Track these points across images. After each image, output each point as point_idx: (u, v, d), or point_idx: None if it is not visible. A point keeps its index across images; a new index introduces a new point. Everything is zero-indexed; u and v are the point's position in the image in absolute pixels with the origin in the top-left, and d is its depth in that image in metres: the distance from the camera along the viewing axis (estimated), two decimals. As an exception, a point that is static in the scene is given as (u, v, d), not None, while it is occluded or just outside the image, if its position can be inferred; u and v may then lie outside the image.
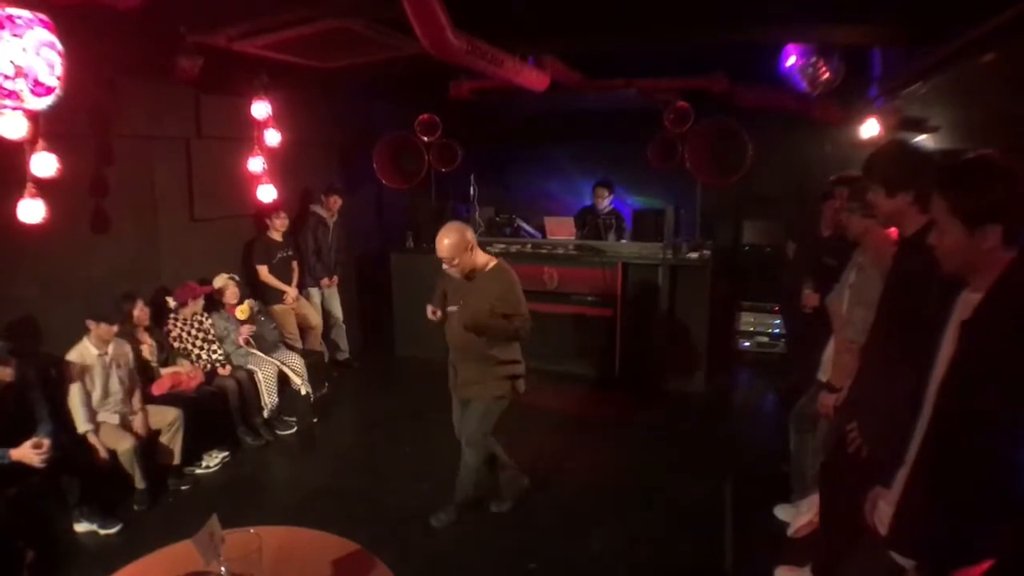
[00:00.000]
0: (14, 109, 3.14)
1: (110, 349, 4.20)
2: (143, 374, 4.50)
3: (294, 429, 5.34)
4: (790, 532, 3.63)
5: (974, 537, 1.65)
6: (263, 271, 5.88)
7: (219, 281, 5.40)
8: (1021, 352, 1.51)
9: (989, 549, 1.68)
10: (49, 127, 3.60)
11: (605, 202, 7.37)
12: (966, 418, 1.58)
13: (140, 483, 4.10)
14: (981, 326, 1.60)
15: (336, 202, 6.45)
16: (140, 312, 4.61)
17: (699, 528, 3.93)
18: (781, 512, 3.84)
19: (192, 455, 4.60)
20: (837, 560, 2.83)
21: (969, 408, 1.58)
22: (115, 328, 4.17)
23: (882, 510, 1.88)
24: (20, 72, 2.95)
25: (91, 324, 4.10)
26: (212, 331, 5.15)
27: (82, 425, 4.02)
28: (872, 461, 2.02)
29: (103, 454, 4.00)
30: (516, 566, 3.59)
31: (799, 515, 3.62)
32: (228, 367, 5.09)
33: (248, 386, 5.11)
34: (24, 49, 2.94)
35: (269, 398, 5.21)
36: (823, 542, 3.07)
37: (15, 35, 2.91)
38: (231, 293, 5.38)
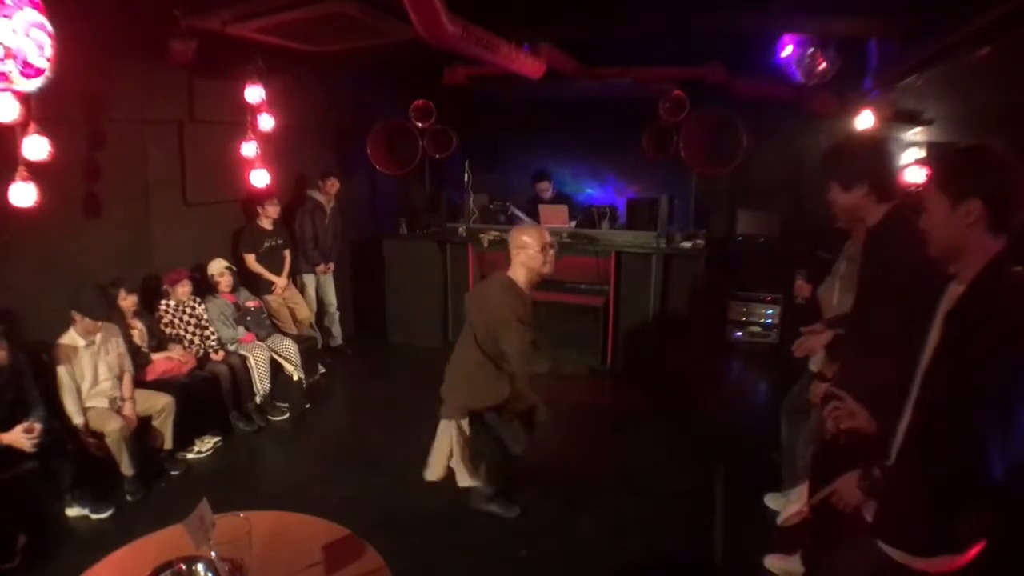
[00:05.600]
0: (3, 91, 3.11)
1: (97, 338, 4.18)
2: (133, 360, 4.48)
3: (286, 415, 5.34)
4: (780, 521, 3.66)
5: (957, 526, 1.67)
6: (250, 260, 5.83)
7: (214, 267, 5.38)
8: (1000, 344, 1.52)
9: (972, 538, 1.70)
10: (41, 110, 3.57)
11: (548, 193, 7.44)
12: (948, 408, 1.60)
13: (127, 469, 4.07)
14: (963, 318, 1.61)
15: (333, 185, 6.41)
16: (123, 301, 4.56)
17: (689, 516, 3.96)
18: (771, 501, 3.87)
19: (184, 440, 4.60)
20: (826, 548, 2.88)
21: (951, 399, 1.59)
22: (99, 323, 4.14)
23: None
24: (9, 53, 2.92)
25: (76, 316, 4.07)
26: (204, 316, 5.14)
27: (74, 417, 4.00)
28: (857, 449, 2.03)
29: (93, 446, 3.97)
30: (506, 553, 3.61)
31: (789, 504, 3.65)
32: (220, 352, 5.09)
33: (240, 371, 5.10)
34: (13, 30, 2.91)
35: (261, 384, 5.21)
36: (812, 530, 3.11)
37: (4, 15, 2.88)
38: (225, 282, 5.36)
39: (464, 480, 3.73)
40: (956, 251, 1.69)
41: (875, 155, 2.56)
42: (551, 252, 3.62)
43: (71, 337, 4.09)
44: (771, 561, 3.36)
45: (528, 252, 3.57)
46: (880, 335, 2.42)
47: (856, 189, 2.50)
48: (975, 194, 1.61)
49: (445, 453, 3.74)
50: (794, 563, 3.25)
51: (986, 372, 1.52)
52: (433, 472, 3.78)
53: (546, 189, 7.50)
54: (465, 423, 3.70)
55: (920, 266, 2.28)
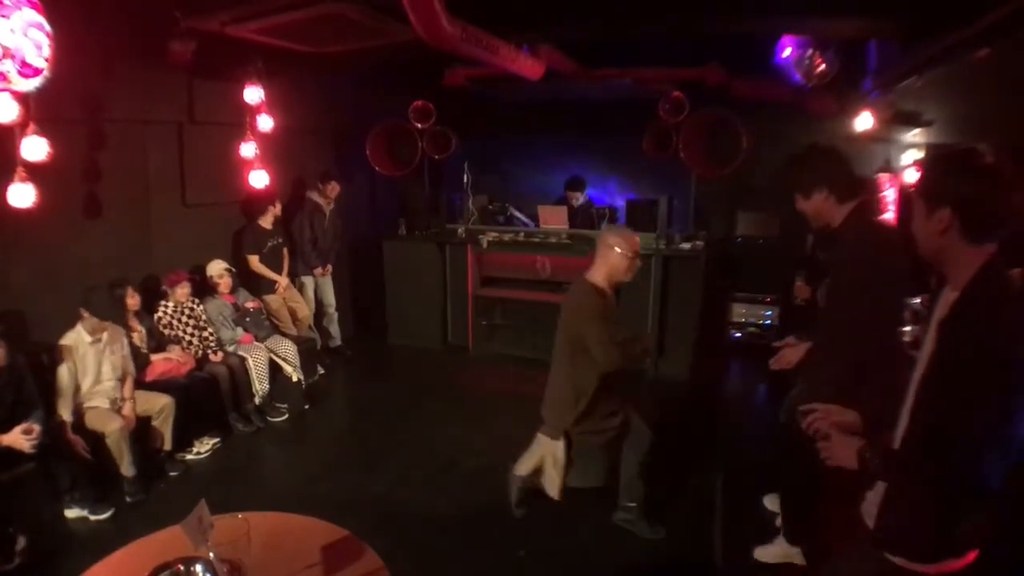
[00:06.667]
0: (2, 91, 3.11)
1: (104, 336, 4.19)
2: (134, 361, 4.48)
3: (285, 416, 5.34)
4: (779, 522, 3.65)
5: (957, 530, 1.67)
6: (254, 261, 5.84)
7: (213, 268, 5.37)
8: (993, 350, 1.51)
9: (972, 540, 1.70)
10: (40, 110, 3.57)
11: (577, 202, 7.43)
12: (943, 414, 1.59)
13: (128, 470, 4.07)
14: (956, 325, 1.61)
15: (334, 189, 6.41)
16: (131, 299, 4.60)
17: (689, 517, 3.96)
18: (770, 502, 3.87)
19: (183, 441, 4.59)
20: (824, 549, 2.91)
21: (945, 405, 1.58)
22: (106, 323, 4.15)
23: (869, 501, 1.90)
24: (7, 53, 2.92)
25: (84, 313, 4.08)
26: (203, 317, 5.13)
27: (64, 413, 3.98)
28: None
29: (81, 447, 3.92)
30: (505, 554, 3.62)
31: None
32: (220, 353, 5.08)
33: (239, 372, 5.10)
34: (12, 30, 2.91)
35: (260, 385, 5.21)
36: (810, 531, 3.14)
37: (2, 15, 2.88)
38: (225, 283, 5.36)
39: (553, 491, 3.68)
40: (936, 256, 1.69)
41: (825, 160, 2.76)
42: (637, 263, 3.62)
43: (77, 334, 4.09)
44: (762, 552, 3.38)
45: (616, 253, 3.54)
46: (843, 327, 2.63)
47: (815, 195, 2.71)
48: (945, 203, 1.60)
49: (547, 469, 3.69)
50: (781, 544, 3.28)
51: (979, 378, 1.51)
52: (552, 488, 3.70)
53: (576, 198, 7.45)
54: (562, 445, 3.62)
55: (879, 258, 2.53)
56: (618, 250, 3.53)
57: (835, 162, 2.74)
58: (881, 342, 2.55)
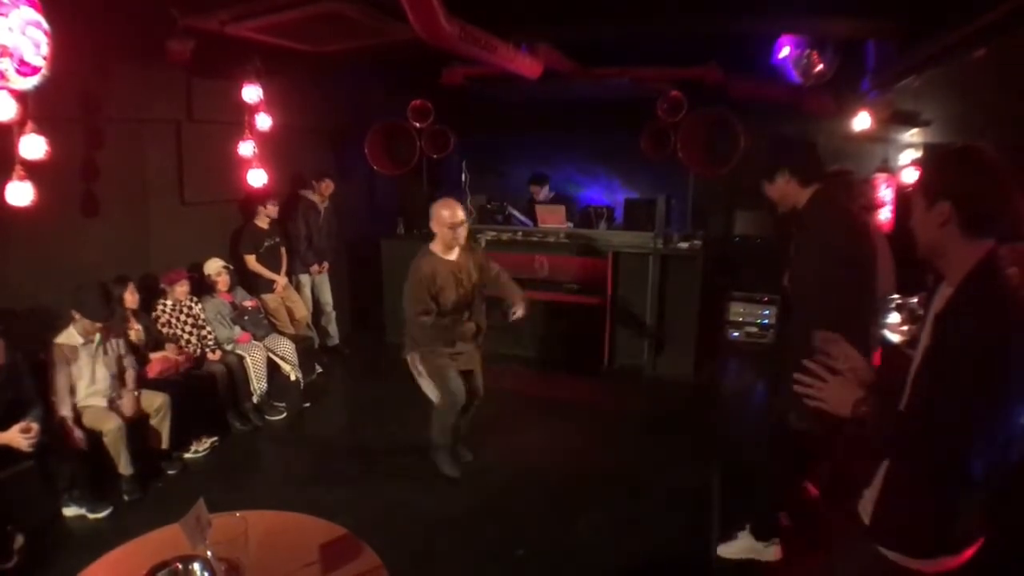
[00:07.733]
0: None
1: (96, 337, 4.17)
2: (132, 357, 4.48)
3: (283, 415, 5.34)
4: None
5: (953, 527, 1.67)
6: (251, 260, 5.83)
7: (211, 267, 5.37)
8: (986, 346, 1.51)
9: (968, 538, 1.70)
10: (38, 109, 3.56)
11: (541, 196, 7.47)
12: (934, 408, 1.59)
13: (125, 468, 4.06)
14: (951, 320, 1.61)
15: (328, 187, 6.40)
16: (131, 296, 4.60)
17: (686, 514, 3.97)
18: (724, 550, 3.87)
19: (181, 440, 4.58)
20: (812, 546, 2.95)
21: (937, 399, 1.59)
22: (99, 325, 4.12)
23: (866, 498, 1.90)
24: (5, 51, 2.92)
25: (75, 315, 4.06)
26: (201, 316, 5.13)
27: (63, 409, 3.97)
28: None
29: (79, 438, 3.89)
30: (504, 552, 3.61)
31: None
32: (218, 352, 5.08)
33: (237, 371, 5.10)
34: (10, 28, 2.91)
35: (258, 384, 5.20)
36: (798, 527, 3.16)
37: (0, 14, 2.88)
38: (223, 281, 5.36)
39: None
40: (934, 251, 1.70)
41: (786, 145, 2.92)
42: (460, 231, 4.01)
43: (69, 335, 4.08)
44: (726, 549, 3.39)
45: (440, 226, 4.01)
46: (811, 304, 2.74)
47: (778, 178, 2.83)
48: (945, 196, 1.62)
49: None
50: (747, 539, 3.31)
51: (973, 372, 1.51)
52: None
53: (537, 192, 7.50)
54: (414, 358, 4.29)
55: (841, 237, 2.64)
56: (442, 223, 3.99)
57: (795, 147, 2.89)
58: (847, 320, 2.53)
